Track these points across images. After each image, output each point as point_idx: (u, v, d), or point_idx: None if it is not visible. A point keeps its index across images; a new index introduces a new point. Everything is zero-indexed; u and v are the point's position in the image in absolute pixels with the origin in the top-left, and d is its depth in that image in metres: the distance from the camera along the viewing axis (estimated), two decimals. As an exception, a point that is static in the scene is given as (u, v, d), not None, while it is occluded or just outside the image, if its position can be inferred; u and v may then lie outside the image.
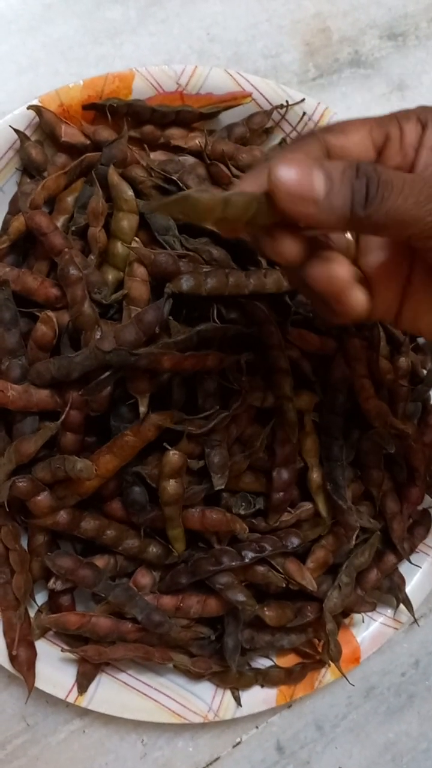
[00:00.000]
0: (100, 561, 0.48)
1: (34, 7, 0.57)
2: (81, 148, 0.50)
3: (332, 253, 0.32)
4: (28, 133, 0.50)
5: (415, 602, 0.55)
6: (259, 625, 0.50)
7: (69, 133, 0.50)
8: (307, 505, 0.50)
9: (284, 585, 0.49)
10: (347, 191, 0.29)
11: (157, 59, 0.58)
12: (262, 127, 0.53)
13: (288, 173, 0.29)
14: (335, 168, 0.29)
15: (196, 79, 0.52)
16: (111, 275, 0.47)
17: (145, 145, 0.52)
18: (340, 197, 0.29)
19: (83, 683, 0.48)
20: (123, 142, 0.48)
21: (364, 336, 0.51)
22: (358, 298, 0.32)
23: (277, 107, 0.53)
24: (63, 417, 0.44)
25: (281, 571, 0.48)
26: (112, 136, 0.50)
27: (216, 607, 0.49)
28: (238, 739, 0.55)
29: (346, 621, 0.54)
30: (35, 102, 0.50)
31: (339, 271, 0.32)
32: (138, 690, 0.50)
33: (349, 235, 0.35)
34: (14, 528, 0.47)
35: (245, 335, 0.48)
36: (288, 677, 0.52)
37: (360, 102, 0.61)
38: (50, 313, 0.45)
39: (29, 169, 0.50)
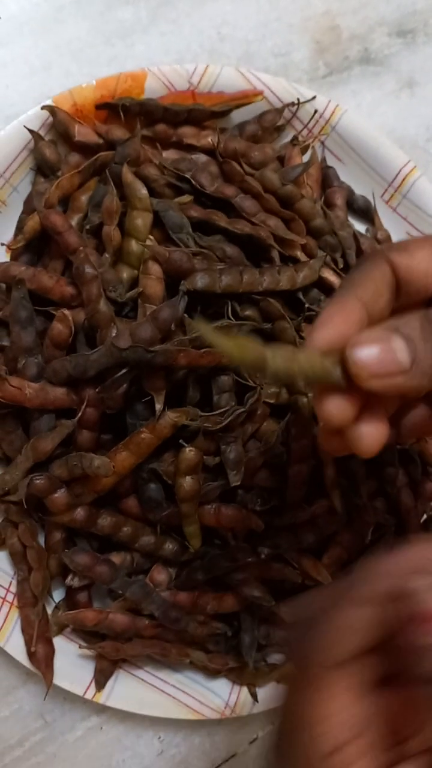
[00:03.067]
0: (117, 558, 0.48)
1: (46, 9, 0.57)
2: (94, 147, 0.50)
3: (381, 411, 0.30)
4: (42, 133, 0.50)
5: None
6: (274, 621, 0.50)
7: (82, 133, 0.50)
8: (323, 501, 0.50)
9: (300, 581, 0.49)
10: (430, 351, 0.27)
11: (168, 59, 0.58)
12: (273, 124, 0.54)
13: (368, 354, 0.27)
14: (412, 328, 0.27)
15: (208, 78, 0.53)
16: (126, 273, 0.47)
17: (158, 144, 0.52)
18: (429, 358, 0.27)
19: (101, 680, 0.49)
20: (136, 141, 0.49)
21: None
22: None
23: (288, 105, 0.54)
24: (79, 415, 0.44)
25: (297, 567, 0.49)
26: (125, 135, 0.50)
27: (232, 604, 0.49)
28: (255, 736, 0.55)
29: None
30: (49, 102, 0.50)
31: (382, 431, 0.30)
32: (155, 686, 0.50)
33: None
34: (32, 525, 0.47)
35: (260, 332, 0.48)
36: (304, 673, 0.52)
37: (370, 99, 0.62)
38: (66, 312, 0.45)
39: (43, 169, 0.50)
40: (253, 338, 0.27)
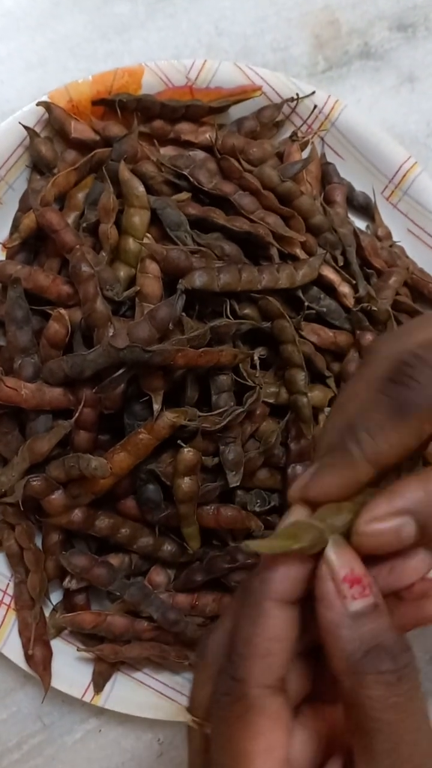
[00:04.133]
0: (115, 560, 0.48)
1: (42, 4, 0.57)
2: (91, 144, 0.50)
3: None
4: (37, 129, 0.50)
5: None
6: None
7: (79, 129, 0.49)
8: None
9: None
10: None
11: (165, 54, 0.57)
12: (272, 120, 0.53)
13: (373, 533, 0.26)
14: (415, 496, 0.26)
15: (206, 73, 0.52)
16: (123, 272, 0.46)
17: (155, 141, 0.52)
18: None
19: (99, 682, 0.48)
20: (133, 137, 0.48)
21: (378, 330, 0.50)
22: None
23: (287, 100, 0.53)
24: (76, 415, 0.44)
25: (297, 568, 0.48)
26: (122, 131, 0.50)
27: (232, 605, 0.48)
28: (255, 738, 0.54)
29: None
30: (44, 98, 0.49)
31: None
32: (154, 689, 0.50)
33: None
34: (29, 527, 0.47)
35: (258, 331, 0.47)
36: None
37: (370, 94, 0.61)
38: (62, 311, 0.45)
39: (39, 166, 0.50)
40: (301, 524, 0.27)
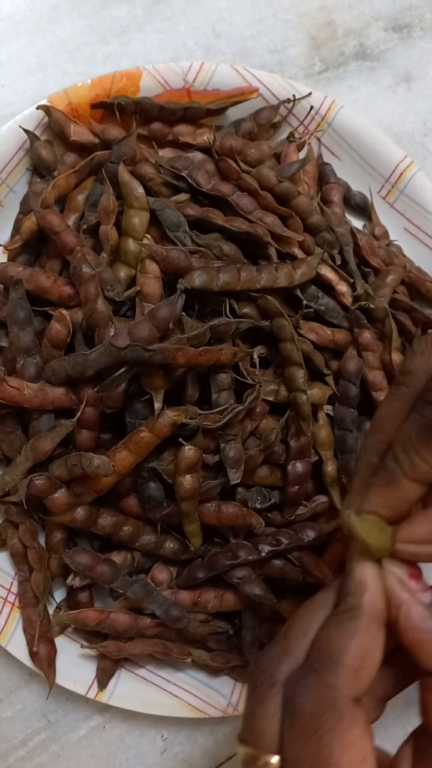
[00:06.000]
0: (118, 557, 0.48)
1: (41, 8, 0.57)
2: (90, 146, 0.50)
3: None
4: (37, 132, 0.50)
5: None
6: (276, 619, 0.50)
7: (78, 132, 0.50)
8: (323, 498, 0.50)
9: (301, 579, 0.49)
10: None
11: (163, 56, 0.58)
12: (269, 121, 0.54)
13: (410, 557, 0.28)
14: None
15: (203, 76, 0.53)
16: (123, 272, 0.47)
17: (154, 143, 0.52)
18: None
19: (103, 679, 0.49)
20: (132, 139, 0.49)
21: (376, 328, 0.51)
22: None
23: (284, 102, 0.54)
24: (78, 414, 0.44)
25: (298, 564, 0.49)
26: (121, 134, 0.50)
27: (233, 602, 0.49)
28: (258, 733, 0.55)
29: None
30: (44, 102, 0.50)
31: None
32: (157, 685, 0.50)
33: None
34: (32, 526, 0.47)
35: (258, 329, 0.48)
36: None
37: (366, 95, 0.61)
38: (64, 312, 0.45)
39: (40, 169, 0.50)
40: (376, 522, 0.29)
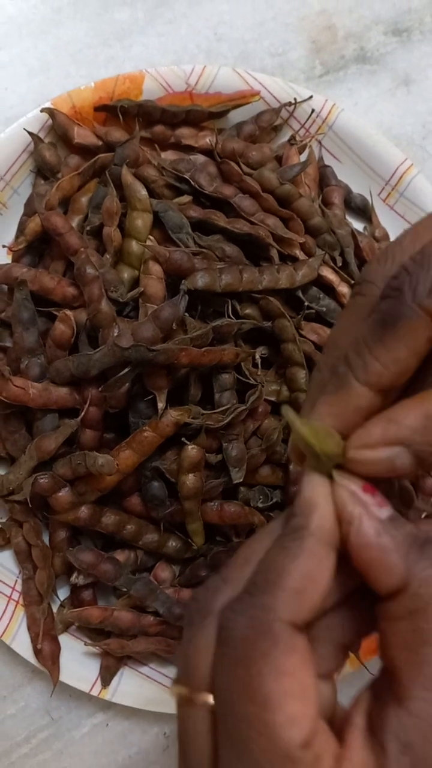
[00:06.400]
0: (121, 556, 0.48)
1: (44, 11, 0.58)
2: (94, 149, 0.51)
3: None
4: (41, 135, 0.51)
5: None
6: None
7: (82, 135, 0.50)
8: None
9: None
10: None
11: (165, 59, 0.58)
12: (270, 124, 0.54)
13: (366, 459, 0.24)
14: (414, 421, 0.23)
15: (205, 79, 0.53)
16: (126, 273, 0.47)
17: (156, 145, 0.53)
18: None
19: (106, 676, 0.49)
20: (135, 142, 0.49)
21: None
22: None
23: (285, 105, 0.54)
24: (82, 414, 0.45)
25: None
26: (124, 136, 0.50)
27: (235, 600, 0.49)
28: (259, 730, 0.55)
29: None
30: (48, 104, 0.50)
31: None
32: (160, 683, 0.50)
33: None
34: (36, 524, 0.48)
35: (260, 330, 0.48)
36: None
37: (366, 98, 0.62)
38: (68, 312, 0.46)
39: (43, 171, 0.51)
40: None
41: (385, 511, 0.24)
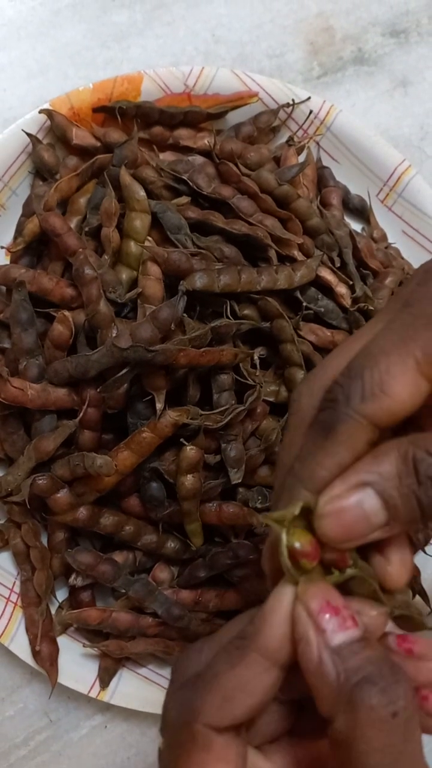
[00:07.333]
0: (119, 557, 0.48)
1: (42, 13, 0.58)
2: (92, 150, 0.51)
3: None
4: (40, 136, 0.51)
5: (430, 593, 0.55)
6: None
7: (80, 136, 0.50)
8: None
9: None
10: (412, 504, 0.24)
11: (163, 61, 0.59)
12: (269, 125, 0.54)
13: (334, 523, 0.24)
14: (387, 471, 0.24)
15: (204, 80, 0.53)
16: (125, 274, 0.47)
17: (155, 146, 0.53)
18: (408, 510, 0.24)
19: (105, 678, 0.49)
20: (133, 143, 0.49)
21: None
22: None
23: (283, 106, 0.54)
24: (81, 415, 0.45)
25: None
26: (122, 137, 0.51)
27: (234, 601, 0.49)
28: (258, 732, 0.55)
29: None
30: (46, 106, 0.50)
31: None
32: (159, 684, 0.50)
33: None
34: (34, 525, 0.48)
35: (258, 331, 0.48)
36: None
37: (364, 99, 0.62)
38: (66, 313, 0.46)
39: (42, 172, 0.51)
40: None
41: (341, 636, 0.23)
